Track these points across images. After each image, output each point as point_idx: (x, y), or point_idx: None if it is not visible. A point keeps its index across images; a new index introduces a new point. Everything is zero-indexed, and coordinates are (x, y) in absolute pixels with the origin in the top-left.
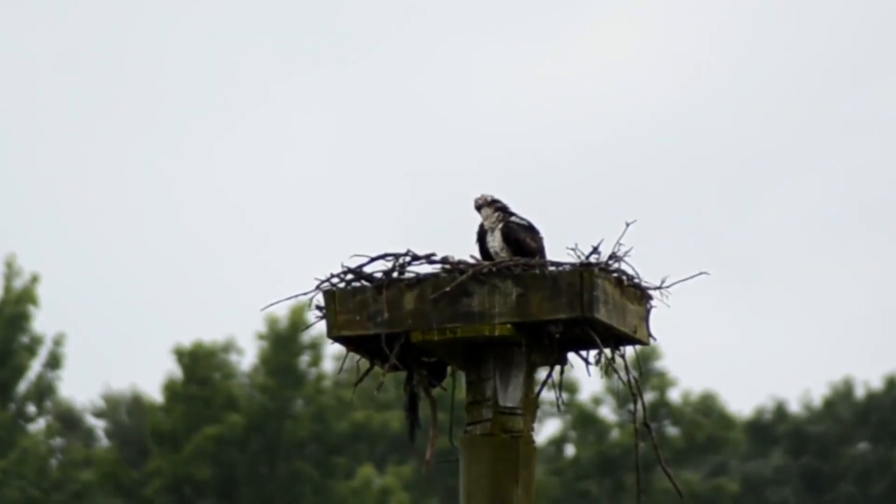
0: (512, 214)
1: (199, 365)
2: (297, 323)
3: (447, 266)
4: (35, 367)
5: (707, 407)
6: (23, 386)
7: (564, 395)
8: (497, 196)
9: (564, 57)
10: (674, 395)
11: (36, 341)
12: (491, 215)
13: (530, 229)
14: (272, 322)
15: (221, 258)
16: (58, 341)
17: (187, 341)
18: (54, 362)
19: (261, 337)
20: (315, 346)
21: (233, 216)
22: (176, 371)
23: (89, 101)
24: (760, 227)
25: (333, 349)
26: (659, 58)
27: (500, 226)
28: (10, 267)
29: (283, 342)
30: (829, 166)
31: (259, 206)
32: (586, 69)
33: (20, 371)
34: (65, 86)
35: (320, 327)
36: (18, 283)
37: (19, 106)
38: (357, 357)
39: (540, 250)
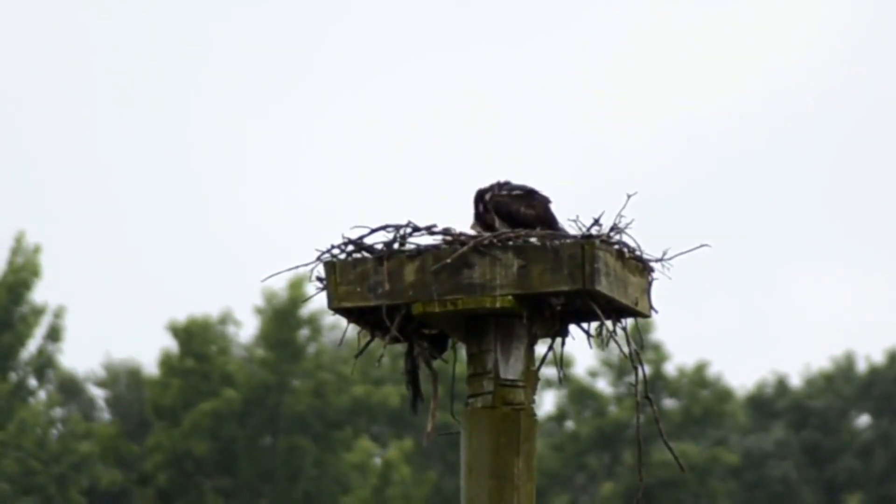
0: (502, 187)
1: (196, 339)
2: (296, 297)
3: (448, 237)
4: (36, 338)
5: (703, 379)
6: (24, 356)
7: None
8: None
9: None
10: (669, 368)
11: (37, 312)
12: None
13: (525, 196)
14: (270, 296)
15: (222, 230)
16: (58, 314)
17: (185, 313)
18: (54, 334)
19: (259, 311)
20: (314, 321)
21: (233, 188)
22: (172, 345)
23: (96, 78)
24: (760, 206)
25: (332, 323)
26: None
27: (492, 205)
28: (19, 242)
29: (282, 316)
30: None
31: (259, 177)
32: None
33: (21, 341)
34: (72, 64)
35: (319, 302)
36: (22, 258)
37: (26, 84)
38: (358, 329)
39: (540, 215)
